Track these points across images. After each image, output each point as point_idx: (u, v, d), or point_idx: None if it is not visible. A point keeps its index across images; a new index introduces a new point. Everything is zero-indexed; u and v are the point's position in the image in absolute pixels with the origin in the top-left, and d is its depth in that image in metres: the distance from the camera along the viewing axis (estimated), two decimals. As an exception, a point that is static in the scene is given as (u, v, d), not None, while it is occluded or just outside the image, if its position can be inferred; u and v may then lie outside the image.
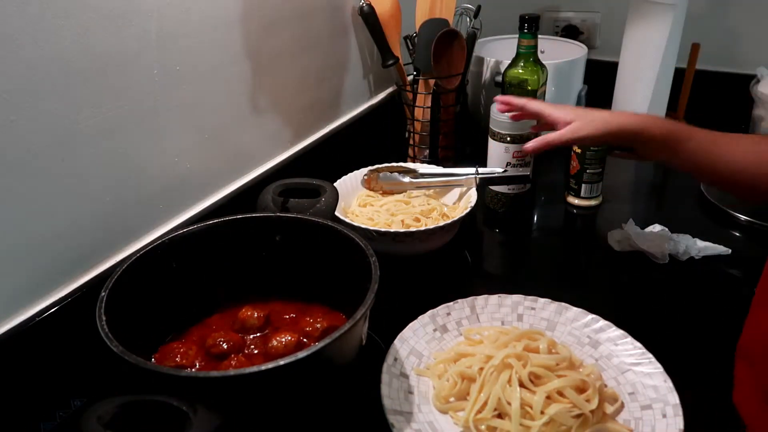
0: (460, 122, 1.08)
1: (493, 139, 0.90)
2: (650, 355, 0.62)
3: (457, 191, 0.89)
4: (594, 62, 1.21)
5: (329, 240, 0.62)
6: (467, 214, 0.80)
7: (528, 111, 0.78)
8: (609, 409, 0.57)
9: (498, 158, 0.90)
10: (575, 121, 0.71)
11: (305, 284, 0.65)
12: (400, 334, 0.66)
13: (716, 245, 0.81)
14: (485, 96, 1.17)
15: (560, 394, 0.56)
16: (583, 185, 0.94)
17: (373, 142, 1.07)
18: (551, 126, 0.75)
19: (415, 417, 0.58)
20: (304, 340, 0.59)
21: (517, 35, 0.98)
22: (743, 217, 0.89)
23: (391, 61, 1.02)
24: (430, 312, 0.70)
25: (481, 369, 0.59)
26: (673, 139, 0.68)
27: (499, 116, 0.89)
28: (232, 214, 0.65)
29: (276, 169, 0.87)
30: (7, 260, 0.56)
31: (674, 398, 0.57)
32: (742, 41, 1.22)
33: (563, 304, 0.70)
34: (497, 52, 1.17)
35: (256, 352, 0.59)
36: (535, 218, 0.97)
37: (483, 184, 0.88)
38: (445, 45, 0.97)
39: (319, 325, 0.60)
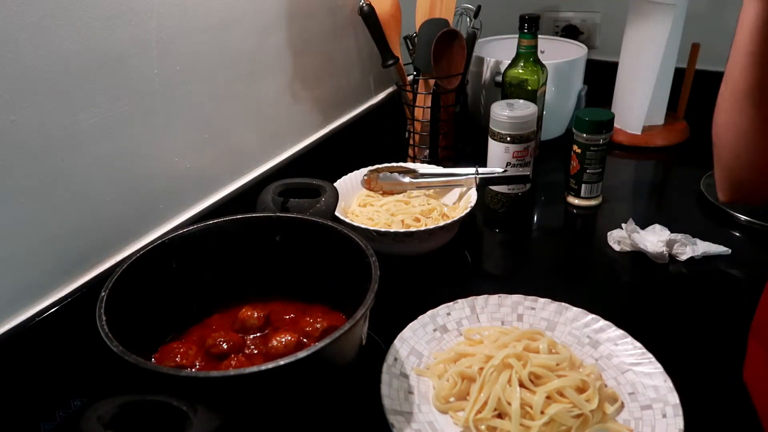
0: (460, 122, 1.08)
1: (493, 139, 0.90)
2: (650, 355, 0.62)
3: (457, 191, 0.89)
4: (594, 62, 1.21)
5: (329, 240, 0.62)
6: (467, 214, 0.80)
7: None
8: (609, 409, 0.57)
9: (498, 158, 0.90)
10: None
11: (305, 284, 0.65)
12: (400, 334, 0.66)
13: (716, 245, 0.81)
14: (485, 96, 1.17)
15: (560, 394, 0.56)
16: (583, 185, 0.94)
17: (373, 142, 1.07)
18: None
19: (415, 417, 0.58)
20: (304, 340, 0.59)
21: (517, 35, 0.98)
22: (743, 217, 0.89)
23: (391, 61, 1.02)
24: (430, 312, 0.70)
25: (481, 369, 0.59)
26: None
27: (499, 116, 0.89)
28: (232, 214, 0.65)
29: (276, 169, 0.87)
30: (8, 260, 0.56)
31: (674, 398, 0.57)
32: (742, 41, 1.22)
33: (563, 304, 0.70)
34: (497, 52, 1.17)
35: (256, 352, 0.59)
36: (535, 218, 0.97)
37: (483, 184, 0.88)
38: (445, 45, 0.97)
39: (319, 325, 0.60)
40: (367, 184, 0.91)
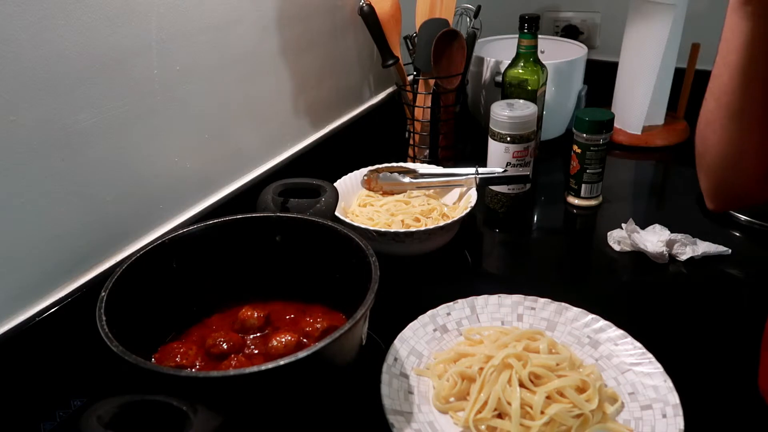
0: (460, 122, 1.08)
1: (493, 139, 0.90)
2: (650, 355, 0.62)
3: (457, 191, 0.89)
4: (594, 62, 1.21)
5: (329, 240, 0.62)
6: (467, 214, 0.80)
7: None
8: (609, 409, 0.57)
9: (498, 158, 0.90)
10: None
11: (305, 284, 0.65)
12: (400, 334, 0.66)
13: (716, 245, 0.81)
14: (485, 96, 1.17)
15: (560, 394, 0.56)
16: (583, 185, 0.94)
17: (373, 142, 1.07)
18: None
19: (415, 417, 0.58)
20: (304, 340, 0.59)
21: (517, 35, 0.98)
22: (743, 217, 0.89)
23: (391, 61, 1.02)
24: (430, 312, 0.70)
25: (481, 369, 0.59)
26: None
27: (499, 116, 0.89)
28: (232, 214, 0.65)
29: (276, 169, 0.87)
30: (8, 260, 0.56)
31: (674, 398, 0.57)
32: (742, 41, 1.22)
33: (563, 304, 0.70)
34: (497, 52, 1.17)
35: (256, 352, 0.59)
36: (535, 218, 0.97)
37: (483, 184, 0.88)
38: (445, 45, 0.97)
39: (319, 325, 0.60)
40: (367, 184, 0.91)
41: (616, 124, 1.16)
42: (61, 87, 0.57)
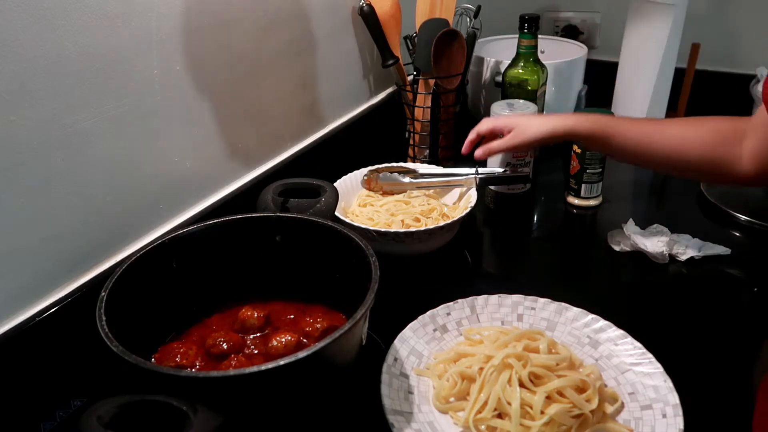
0: (460, 122, 1.08)
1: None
2: (650, 355, 0.62)
3: (457, 191, 0.89)
4: (594, 62, 1.21)
5: (329, 240, 0.62)
6: (467, 214, 0.80)
7: (482, 133, 0.84)
8: (609, 409, 0.57)
9: (498, 158, 0.90)
10: (514, 129, 0.80)
11: (305, 284, 0.65)
12: (400, 334, 0.66)
13: (716, 245, 0.81)
14: (485, 96, 1.17)
15: (560, 394, 0.56)
16: (583, 185, 0.94)
17: (373, 142, 1.07)
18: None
19: (415, 417, 0.58)
20: (304, 340, 0.59)
21: (517, 35, 0.98)
22: (743, 217, 0.89)
23: (391, 61, 1.02)
24: (430, 312, 0.70)
25: (481, 369, 0.59)
26: (598, 137, 0.76)
27: (499, 116, 0.89)
28: (232, 214, 0.65)
29: (276, 169, 0.87)
30: (7, 260, 0.56)
31: (674, 398, 0.57)
32: (742, 41, 1.22)
33: (563, 304, 0.70)
34: (497, 52, 1.17)
35: (256, 352, 0.59)
36: (535, 218, 0.97)
37: (483, 184, 0.88)
38: (445, 45, 0.97)
39: (319, 325, 0.60)
40: (367, 184, 0.90)
41: (616, 124, 1.16)
42: (61, 87, 0.57)
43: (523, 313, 0.70)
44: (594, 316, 0.68)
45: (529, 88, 0.99)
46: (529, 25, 0.96)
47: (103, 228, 0.64)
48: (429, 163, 1.03)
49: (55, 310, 0.59)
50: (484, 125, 0.83)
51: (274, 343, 0.58)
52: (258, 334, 0.62)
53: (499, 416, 0.56)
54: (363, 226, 0.77)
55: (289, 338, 0.58)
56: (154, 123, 0.67)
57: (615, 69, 1.17)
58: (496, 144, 0.81)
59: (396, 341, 0.65)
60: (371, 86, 1.11)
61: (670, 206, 0.99)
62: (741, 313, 0.72)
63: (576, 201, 0.96)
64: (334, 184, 0.72)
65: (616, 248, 0.84)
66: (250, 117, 0.83)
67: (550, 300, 0.71)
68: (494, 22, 1.22)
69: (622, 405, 0.58)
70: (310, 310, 0.64)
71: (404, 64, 1.05)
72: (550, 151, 1.13)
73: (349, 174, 0.91)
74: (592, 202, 0.96)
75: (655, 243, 0.80)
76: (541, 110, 1.04)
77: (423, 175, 0.90)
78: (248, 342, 0.61)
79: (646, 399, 0.58)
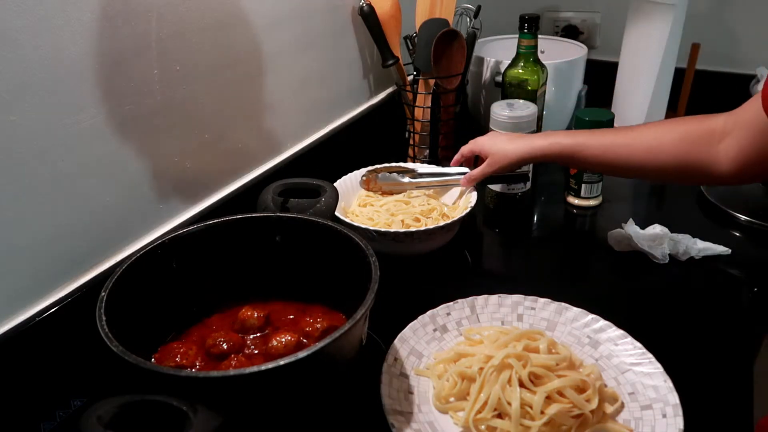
0: (460, 122, 1.08)
1: (493, 139, 0.90)
2: (650, 355, 0.62)
3: (457, 191, 0.89)
4: (594, 62, 1.21)
5: (329, 240, 0.62)
6: (467, 214, 0.80)
7: (465, 155, 0.87)
8: (609, 409, 0.57)
9: (498, 158, 0.90)
10: (490, 155, 0.82)
11: (305, 284, 0.65)
12: (400, 334, 0.66)
13: (716, 245, 0.81)
14: (485, 96, 1.17)
15: (560, 394, 0.56)
16: (583, 185, 0.94)
17: (373, 142, 1.07)
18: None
19: (415, 417, 0.58)
20: (304, 340, 0.59)
21: (517, 35, 0.98)
22: (743, 217, 0.89)
23: (391, 61, 1.02)
24: (430, 312, 0.70)
25: (481, 369, 0.59)
26: (568, 155, 0.78)
27: (499, 116, 0.89)
28: (232, 214, 0.65)
29: (276, 169, 0.87)
30: (7, 260, 0.56)
31: (674, 398, 0.57)
32: (742, 41, 1.22)
33: (563, 304, 0.70)
34: (497, 52, 1.17)
35: (256, 352, 0.59)
36: (535, 218, 0.97)
37: (482, 184, 0.88)
38: (445, 45, 0.97)
39: (319, 325, 0.60)
40: (366, 184, 0.90)
41: (616, 124, 1.16)
42: (61, 87, 0.57)
43: (523, 313, 0.70)
44: (594, 316, 0.68)
45: (529, 88, 0.99)
46: (529, 25, 0.96)
47: (103, 228, 0.64)
48: (429, 163, 1.03)
49: (55, 310, 0.59)
50: (466, 148, 0.87)
51: (274, 343, 0.58)
52: (258, 334, 0.62)
53: (499, 416, 0.56)
54: (363, 226, 0.77)
55: (289, 338, 0.58)
56: (154, 123, 0.67)
57: (615, 69, 1.17)
58: (476, 172, 0.84)
59: (396, 341, 0.65)
60: (371, 86, 1.11)
61: (670, 206, 0.99)
62: (741, 313, 0.72)
63: (576, 201, 0.96)
64: (334, 184, 0.72)
65: (616, 248, 0.84)
66: (250, 117, 0.83)
67: (550, 300, 0.71)
68: (494, 22, 1.22)
69: (622, 405, 0.58)
70: (310, 310, 0.64)
71: (404, 64, 1.05)
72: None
73: (349, 174, 0.91)
74: (592, 202, 0.96)
75: (655, 243, 0.80)
76: (541, 110, 1.04)
77: (422, 175, 0.90)
78: (248, 342, 0.61)
79: (646, 399, 0.58)
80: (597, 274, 0.84)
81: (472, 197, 0.83)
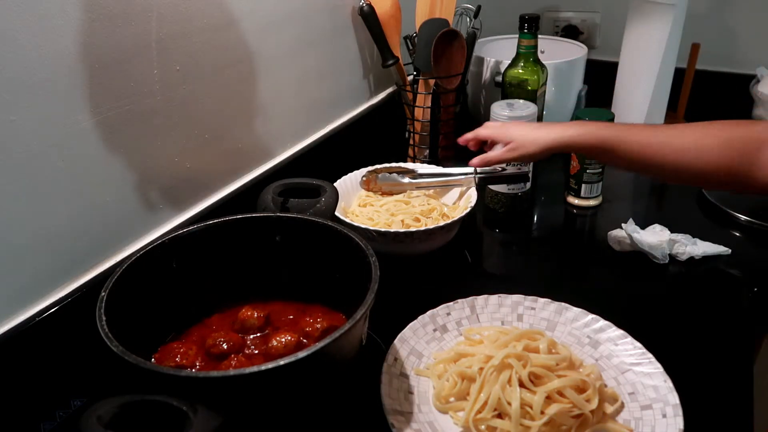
0: (460, 122, 1.08)
1: (493, 139, 0.90)
2: (650, 355, 0.62)
3: (456, 191, 0.89)
4: (594, 62, 1.21)
5: (329, 240, 0.62)
6: (467, 214, 0.80)
7: (481, 137, 0.82)
8: (609, 409, 0.57)
9: (498, 158, 0.90)
10: (513, 141, 0.77)
11: (305, 284, 0.65)
12: (400, 334, 0.66)
13: (716, 245, 0.81)
14: (485, 96, 1.17)
15: (560, 394, 0.56)
16: (583, 185, 0.94)
17: (373, 142, 1.07)
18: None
19: (415, 417, 0.58)
20: (304, 340, 0.59)
21: (517, 35, 0.98)
22: (743, 217, 0.89)
23: (391, 61, 1.02)
24: (430, 312, 0.70)
25: (481, 369, 0.59)
26: (604, 147, 0.72)
27: (499, 116, 0.89)
28: (232, 214, 0.65)
29: (276, 169, 0.87)
30: (7, 260, 0.56)
31: (674, 398, 0.57)
32: (742, 41, 1.22)
33: (563, 304, 0.70)
34: (497, 52, 1.17)
35: (256, 352, 0.59)
36: (535, 218, 0.97)
37: (482, 184, 0.88)
38: (445, 45, 0.97)
39: (319, 325, 0.60)
40: (366, 184, 0.90)
41: (616, 124, 1.16)
42: (61, 87, 0.57)
43: (523, 313, 0.70)
44: (594, 316, 0.68)
45: (529, 88, 0.99)
46: (529, 25, 0.96)
47: (103, 228, 0.64)
48: (429, 163, 1.03)
49: (55, 310, 0.59)
50: (484, 131, 0.81)
51: (274, 343, 0.58)
52: (258, 334, 0.62)
53: (499, 416, 0.56)
54: (363, 226, 0.77)
55: (289, 338, 0.58)
56: (154, 123, 0.67)
57: (615, 69, 1.17)
58: (492, 155, 0.80)
59: (396, 341, 0.65)
60: (371, 86, 1.11)
61: (670, 206, 0.99)
62: (741, 313, 0.72)
63: (576, 201, 0.96)
64: (334, 184, 0.72)
65: (616, 248, 0.84)
66: (251, 117, 0.83)
67: (550, 300, 0.71)
68: (494, 22, 1.22)
69: (622, 405, 0.58)
70: (310, 310, 0.64)
71: (404, 64, 1.05)
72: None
73: (349, 174, 0.91)
74: (592, 202, 0.96)
75: (655, 243, 0.80)
76: (541, 110, 1.04)
77: (422, 175, 0.90)
78: (248, 342, 0.61)
79: (646, 399, 0.58)
80: (597, 274, 0.84)
81: (472, 197, 0.83)
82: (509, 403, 0.55)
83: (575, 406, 0.55)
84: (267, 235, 0.65)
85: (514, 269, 0.87)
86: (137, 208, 0.68)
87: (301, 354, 0.45)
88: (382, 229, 0.76)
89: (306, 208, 0.66)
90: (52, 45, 0.55)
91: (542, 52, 1.06)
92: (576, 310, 0.69)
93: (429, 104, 1.02)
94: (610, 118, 0.90)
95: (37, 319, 0.57)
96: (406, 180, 0.90)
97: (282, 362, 0.45)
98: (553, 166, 1.08)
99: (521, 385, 0.56)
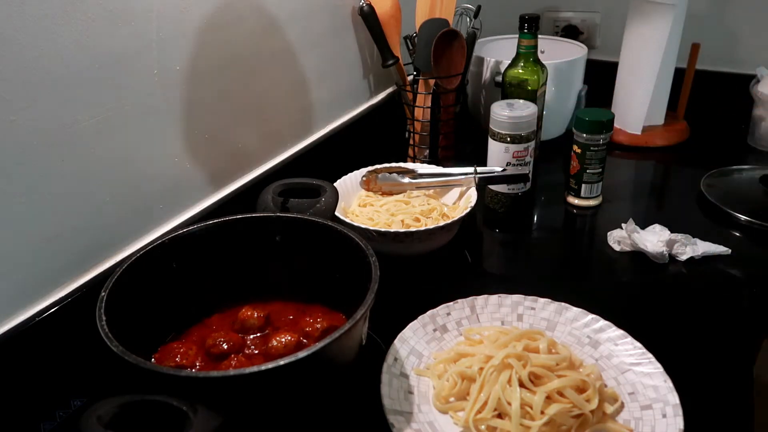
0: (460, 122, 1.08)
1: (493, 139, 0.90)
2: (650, 355, 0.62)
3: (456, 191, 0.89)
4: (594, 62, 1.21)
5: (329, 240, 0.62)
6: (467, 214, 0.80)
7: None
8: (609, 409, 0.57)
9: (498, 158, 0.90)
10: None
11: (305, 284, 0.65)
12: (400, 334, 0.66)
13: (716, 245, 0.81)
14: (485, 96, 1.17)
15: (560, 394, 0.56)
16: (583, 185, 0.94)
17: (373, 142, 1.07)
18: None
19: (415, 417, 0.58)
20: (304, 340, 0.59)
21: (517, 35, 0.98)
22: (743, 217, 0.89)
23: (391, 61, 1.02)
24: (430, 312, 0.70)
25: (481, 369, 0.59)
26: None
27: (499, 116, 0.89)
28: (232, 214, 0.65)
29: (276, 169, 0.87)
30: (7, 260, 0.56)
31: (674, 398, 0.57)
32: (742, 41, 1.22)
33: (563, 304, 0.70)
34: (497, 52, 1.17)
35: (256, 352, 0.59)
36: (535, 218, 0.97)
37: (482, 184, 0.88)
38: (445, 45, 0.97)
39: (319, 325, 0.60)
40: (366, 184, 0.90)
41: (616, 124, 1.16)
42: (61, 87, 0.57)
43: (523, 313, 0.70)
44: (594, 316, 0.68)
45: (529, 88, 0.99)
46: (529, 25, 0.96)
47: (103, 228, 0.64)
48: (429, 163, 1.03)
49: (55, 310, 0.59)
50: None
51: (274, 343, 0.58)
52: (258, 334, 0.62)
53: (499, 416, 0.56)
54: (363, 226, 0.77)
55: (289, 338, 0.58)
56: (154, 123, 0.67)
57: (615, 69, 1.17)
58: None
59: (396, 341, 0.65)
60: (371, 86, 1.11)
61: (670, 206, 0.99)
62: (741, 313, 0.72)
63: (576, 201, 0.96)
64: (334, 184, 0.72)
65: (616, 248, 0.84)
66: (250, 117, 0.83)
67: (550, 300, 0.71)
68: (494, 22, 1.22)
69: (622, 405, 0.58)
70: (310, 310, 0.64)
71: (404, 64, 1.05)
72: (550, 151, 1.13)
73: (349, 174, 0.91)
74: (592, 202, 0.96)
75: (655, 243, 0.80)
76: (541, 110, 1.04)
77: (422, 175, 0.90)
78: (248, 342, 0.61)
79: (646, 399, 0.58)
80: (597, 274, 0.84)
81: (472, 197, 0.83)
82: (509, 403, 0.55)
83: (575, 406, 0.55)
84: (267, 235, 0.65)
85: (514, 269, 0.87)
86: (137, 208, 0.68)
87: (301, 354, 0.45)
88: (382, 229, 0.76)
89: (306, 208, 0.66)
90: (52, 45, 0.55)
91: (542, 52, 1.06)
92: (576, 310, 0.69)
93: (429, 104, 1.02)
94: (610, 119, 0.90)
95: (37, 319, 0.57)
96: (406, 180, 0.90)
97: (282, 362, 0.45)
98: (553, 166, 1.08)
99: (521, 385, 0.56)
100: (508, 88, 1.02)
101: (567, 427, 0.55)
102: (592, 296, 0.74)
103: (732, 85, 1.20)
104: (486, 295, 0.72)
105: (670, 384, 0.58)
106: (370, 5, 0.98)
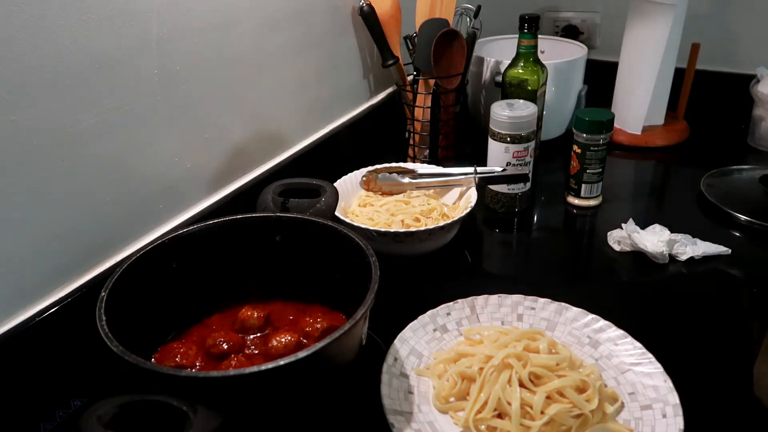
0: (460, 122, 1.08)
1: (493, 139, 0.90)
2: (650, 355, 0.62)
3: (457, 191, 0.89)
4: (594, 62, 1.21)
5: (329, 240, 0.62)
6: (467, 214, 0.80)
7: None
8: (609, 409, 0.57)
9: (498, 158, 0.90)
10: None
11: (305, 284, 0.65)
12: (400, 334, 0.66)
13: (716, 245, 0.81)
14: (485, 96, 1.17)
15: (560, 394, 0.56)
16: (583, 185, 0.94)
17: (373, 142, 1.07)
18: None
19: (415, 417, 0.58)
20: (304, 340, 0.59)
21: (517, 35, 0.98)
22: (743, 217, 0.89)
23: (391, 61, 1.02)
24: (430, 312, 0.70)
25: (481, 369, 0.59)
26: None
27: (499, 116, 0.89)
28: (232, 214, 0.65)
29: (276, 169, 0.87)
30: (7, 260, 0.56)
31: (674, 398, 0.57)
32: (742, 41, 1.22)
33: (563, 304, 0.70)
34: (497, 52, 1.17)
35: (256, 352, 0.59)
36: (535, 218, 0.97)
37: (482, 184, 0.88)
38: (445, 45, 0.97)
39: (319, 325, 0.60)
40: (366, 184, 0.90)
41: (616, 124, 1.16)
42: (61, 87, 0.57)
43: (523, 313, 0.70)
44: (594, 316, 0.68)
45: (529, 88, 0.99)
46: (529, 25, 0.96)
47: (103, 228, 0.64)
48: (429, 163, 1.03)
49: (55, 310, 0.59)
50: None
51: (274, 343, 0.58)
52: (258, 334, 0.62)
53: (499, 416, 0.56)
54: (363, 226, 0.77)
55: (289, 338, 0.58)
56: (154, 123, 0.67)
57: (615, 69, 1.17)
58: None
59: (396, 341, 0.65)
60: (371, 86, 1.11)
61: (670, 206, 0.99)
62: (741, 313, 0.72)
63: (576, 201, 0.96)
64: (334, 184, 0.72)
65: (616, 248, 0.84)
66: (250, 117, 0.83)
67: (550, 300, 0.71)
68: (494, 22, 1.22)
69: (622, 405, 0.58)
70: (310, 310, 0.64)
71: (404, 64, 1.05)
72: (550, 151, 1.13)
73: (349, 174, 0.91)
74: (592, 202, 0.96)
75: (655, 243, 0.80)
76: (541, 110, 1.04)
77: (422, 175, 0.90)
78: (248, 342, 0.61)
79: (646, 399, 0.58)
80: (597, 274, 0.84)
81: (472, 197, 0.83)
82: (509, 403, 0.55)
83: (575, 406, 0.55)
84: (267, 235, 0.65)
85: (514, 269, 0.87)
86: (137, 208, 0.68)
87: (301, 354, 0.45)
88: (382, 229, 0.76)
89: (306, 208, 0.66)
90: (52, 45, 0.55)
91: (542, 52, 1.06)
92: (576, 310, 0.69)
93: (429, 104, 1.02)
94: (610, 119, 0.90)
95: (37, 319, 0.57)
96: (406, 180, 0.90)
97: (282, 362, 0.45)
98: (553, 166, 1.08)
99: (521, 385, 0.56)
100: (508, 88, 1.02)
101: (567, 427, 0.55)
102: (592, 296, 0.74)
103: (732, 85, 1.20)
104: (486, 295, 0.72)
105: (670, 384, 0.58)
106: (370, 5, 0.98)
